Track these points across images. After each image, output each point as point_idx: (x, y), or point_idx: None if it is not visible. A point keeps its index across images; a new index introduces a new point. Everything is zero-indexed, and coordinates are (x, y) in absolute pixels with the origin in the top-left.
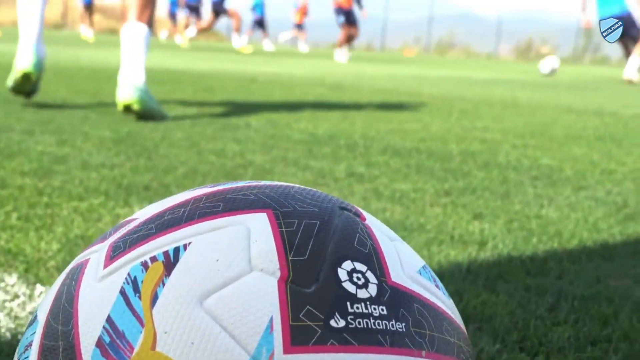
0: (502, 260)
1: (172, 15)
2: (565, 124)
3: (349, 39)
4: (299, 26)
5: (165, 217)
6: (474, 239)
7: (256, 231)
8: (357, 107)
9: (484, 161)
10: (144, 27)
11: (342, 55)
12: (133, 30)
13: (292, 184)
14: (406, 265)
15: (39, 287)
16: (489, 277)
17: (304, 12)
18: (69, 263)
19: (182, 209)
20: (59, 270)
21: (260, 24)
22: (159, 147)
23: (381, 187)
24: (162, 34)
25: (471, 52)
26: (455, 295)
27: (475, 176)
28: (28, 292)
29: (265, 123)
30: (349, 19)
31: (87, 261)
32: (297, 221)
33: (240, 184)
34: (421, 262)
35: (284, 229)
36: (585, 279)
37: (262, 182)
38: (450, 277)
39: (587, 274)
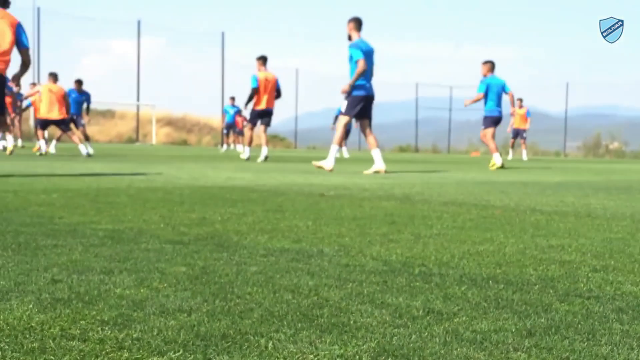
0: None
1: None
2: None
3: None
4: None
5: None
6: None
7: None
8: (429, 225)
9: (565, 290)
10: None
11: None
12: None
13: None
14: None
15: None
16: None
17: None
18: None
19: None
20: None
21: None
22: (234, 284)
23: (461, 327)
24: (223, 147)
25: (538, 150)
26: None
27: (557, 310)
28: None
29: (338, 250)
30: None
31: None
32: None
33: None
34: None
35: None
36: None
37: None
38: None
39: None
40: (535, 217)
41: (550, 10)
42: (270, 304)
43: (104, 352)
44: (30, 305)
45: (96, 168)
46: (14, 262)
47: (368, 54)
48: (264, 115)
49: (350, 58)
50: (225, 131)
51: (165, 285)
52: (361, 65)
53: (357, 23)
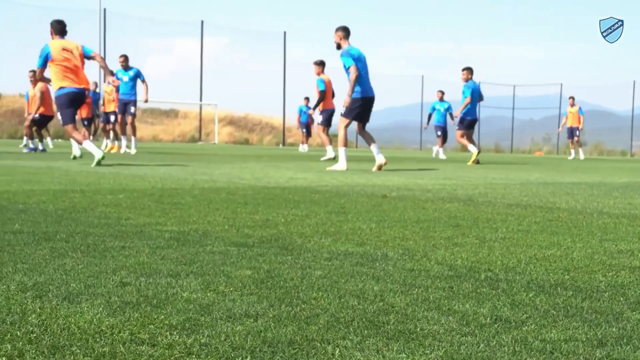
0: None
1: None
2: None
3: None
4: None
5: None
6: None
7: None
8: (493, 228)
9: (636, 298)
10: None
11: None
12: None
13: None
14: None
15: None
16: None
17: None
18: None
19: None
20: None
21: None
22: (299, 289)
23: (530, 336)
24: (302, 147)
25: (604, 149)
26: None
27: (628, 319)
28: None
29: (402, 254)
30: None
31: None
32: None
33: None
34: None
35: None
36: None
37: None
38: None
39: None
40: (603, 220)
41: (616, 6)
42: (336, 309)
43: (172, 358)
44: (100, 309)
45: (160, 168)
46: (83, 264)
47: (359, 59)
48: (332, 116)
49: (344, 66)
50: (303, 131)
51: (232, 289)
52: (354, 71)
53: (346, 31)
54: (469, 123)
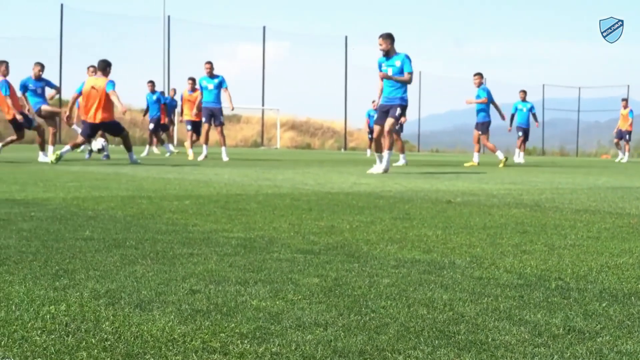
0: None
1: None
2: None
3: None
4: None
5: None
6: None
7: None
8: (562, 235)
9: None
10: None
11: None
12: None
13: None
14: None
15: None
16: None
17: None
18: None
19: None
20: None
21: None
22: (367, 297)
23: (605, 347)
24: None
25: None
26: None
27: None
28: None
29: (470, 261)
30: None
31: None
32: None
33: None
34: None
35: None
36: None
37: None
38: None
39: None
40: None
41: None
42: (406, 319)
43: None
44: (172, 317)
45: (224, 173)
46: (153, 271)
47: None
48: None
49: (402, 70)
50: (370, 136)
51: (300, 297)
52: (410, 78)
53: (393, 38)
54: (487, 126)
